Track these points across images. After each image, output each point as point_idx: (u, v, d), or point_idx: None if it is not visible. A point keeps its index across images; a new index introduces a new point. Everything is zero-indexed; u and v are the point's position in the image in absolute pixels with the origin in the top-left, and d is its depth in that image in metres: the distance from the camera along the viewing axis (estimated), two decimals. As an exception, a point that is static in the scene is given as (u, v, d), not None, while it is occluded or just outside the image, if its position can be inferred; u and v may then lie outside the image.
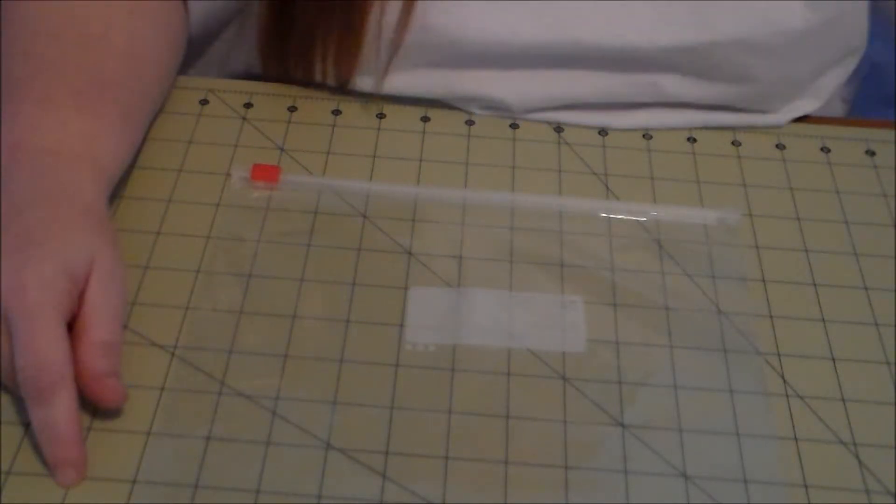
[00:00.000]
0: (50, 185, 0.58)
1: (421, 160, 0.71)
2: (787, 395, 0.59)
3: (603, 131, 0.74)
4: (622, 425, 0.57)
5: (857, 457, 0.57)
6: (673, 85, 0.73)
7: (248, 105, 0.74)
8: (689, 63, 0.72)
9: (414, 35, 0.70)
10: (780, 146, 0.74)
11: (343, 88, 0.74)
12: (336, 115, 0.74)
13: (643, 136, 0.74)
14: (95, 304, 0.55)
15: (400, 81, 0.73)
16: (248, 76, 0.78)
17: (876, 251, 0.67)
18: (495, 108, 0.74)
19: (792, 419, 0.58)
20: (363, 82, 0.73)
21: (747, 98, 0.74)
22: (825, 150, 0.74)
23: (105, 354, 0.54)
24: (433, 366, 0.59)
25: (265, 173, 0.68)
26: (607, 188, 0.70)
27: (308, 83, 0.75)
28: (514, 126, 0.74)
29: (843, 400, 0.59)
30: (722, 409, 0.58)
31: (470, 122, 0.74)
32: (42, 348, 0.52)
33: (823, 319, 0.63)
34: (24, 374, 0.52)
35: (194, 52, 0.81)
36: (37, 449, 0.54)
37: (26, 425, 0.55)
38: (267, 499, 0.53)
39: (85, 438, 0.54)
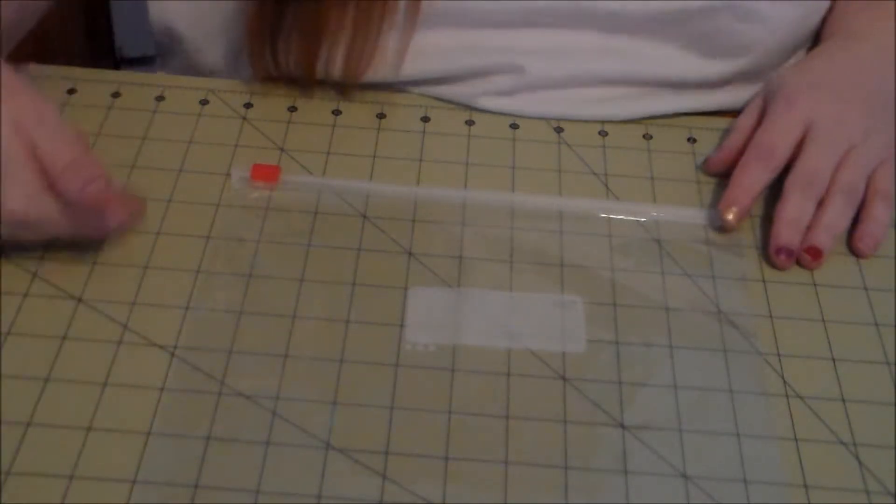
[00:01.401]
0: None
1: (421, 160, 0.71)
2: (787, 396, 0.59)
3: (603, 131, 0.74)
4: (622, 425, 0.57)
5: (857, 457, 0.57)
6: (672, 63, 0.74)
7: (248, 105, 0.74)
8: (688, 30, 0.73)
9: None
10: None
11: (349, 85, 0.74)
12: (336, 115, 0.74)
13: (643, 136, 0.74)
14: (44, 146, 0.58)
15: (407, 64, 0.73)
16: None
17: (876, 251, 0.67)
18: (509, 73, 0.74)
19: (792, 419, 0.58)
20: (373, 73, 0.73)
21: (744, 73, 0.76)
22: (825, 149, 0.74)
23: (77, 172, 0.58)
24: (433, 366, 0.59)
25: (265, 173, 0.68)
26: (607, 188, 0.70)
27: (310, 83, 0.75)
28: (514, 126, 0.74)
29: (843, 400, 0.59)
30: (722, 410, 0.58)
31: (470, 122, 0.74)
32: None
33: (823, 319, 0.63)
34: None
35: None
36: (37, 448, 0.54)
37: (27, 425, 0.55)
38: (267, 499, 0.53)
39: (84, 438, 0.55)
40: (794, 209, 0.66)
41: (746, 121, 0.71)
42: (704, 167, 0.72)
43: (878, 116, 0.70)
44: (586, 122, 0.74)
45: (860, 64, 0.72)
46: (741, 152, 0.70)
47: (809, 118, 0.68)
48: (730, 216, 0.66)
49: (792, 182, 0.67)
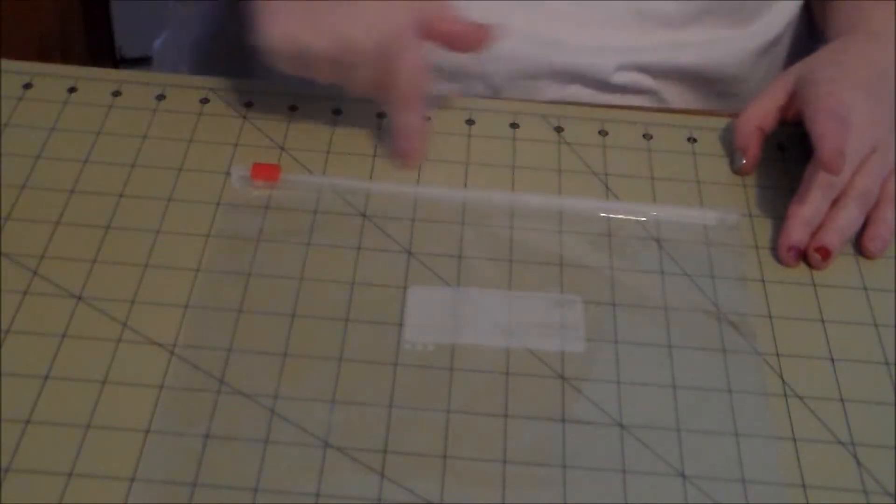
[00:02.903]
0: None
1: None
2: (785, 395, 0.59)
3: (603, 131, 0.74)
4: (620, 425, 0.57)
5: (856, 457, 0.57)
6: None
7: (248, 104, 0.74)
8: None
9: None
10: (780, 147, 0.74)
11: None
12: (336, 114, 0.74)
13: (643, 136, 0.74)
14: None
15: None
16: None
17: (884, 253, 0.67)
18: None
19: (790, 419, 0.58)
20: None
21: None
22: (825, 150, 0.74)
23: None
24: (432, 365, 0.59)
25: (265, 172, 0.68)
26: (607, 188, 0.70)
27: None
28: (514, 126, 0.74)
29: (841, 400, 0.59)
30: (720, 409, 0.58)
31: (470, 122, 0.74)
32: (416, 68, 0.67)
33: (822, 320, 0.63)
34: (399, 88, 0.67)
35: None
36: (36, 446, 0.54)
37: (26, 422, 0.55)
38: (265, 497, 0.53)
39: (83, 436, 0.55)
40: (811, 208, 0.66)
41: (763, 105, 0.72)
42: (742, 173, 0.72)
43: None
44: (586, 120, 0.75)
45: (886, 64, 0.72)
46: (761, 141, 0.71)
47: (848, 111, 0.67)
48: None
49: (814, 182, 0.66)
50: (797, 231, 0.66)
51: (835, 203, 0.67)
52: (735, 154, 0.72)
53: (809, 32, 0.86)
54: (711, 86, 0.81)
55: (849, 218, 0.67)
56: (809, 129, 0.66)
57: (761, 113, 0.72)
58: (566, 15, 0.78)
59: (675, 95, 0.82)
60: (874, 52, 0.73)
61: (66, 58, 0.90)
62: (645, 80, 0.81)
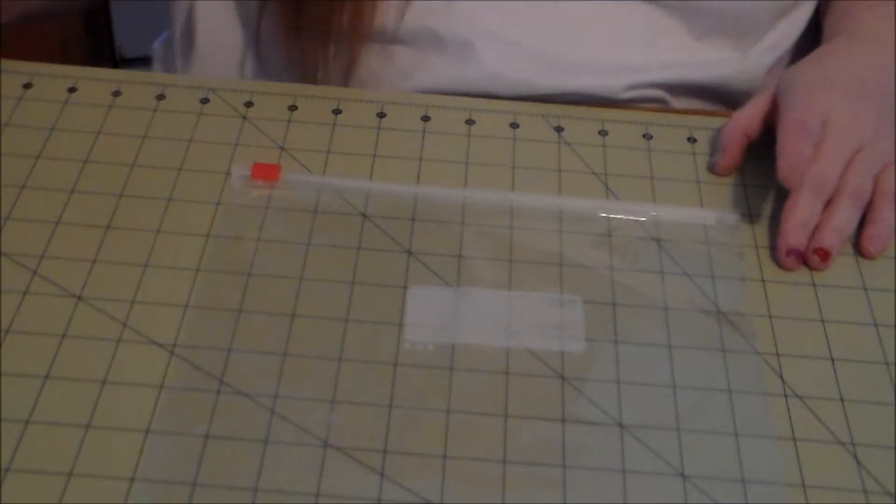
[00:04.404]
0: None
1: (421, 160, 0.71)
2: (785, 395, 0.59)
3: (603, 131, 0.74)
4: (620, 425, 0.57)
5: (856, 457, 0.57)
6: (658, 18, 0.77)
7: (248, 104, 0.74)
8: None
9: None
10: (780, 146, 0.74)
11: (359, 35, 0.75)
12: (336, 114, 0.74)
13: (643, 136, 0.74)
14: None
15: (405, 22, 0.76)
16: None
17: (883, 252, 0.67)
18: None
19: (790, 419, 0.58)
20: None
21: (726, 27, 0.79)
22: (825, 150, 0.74)
23: None
24: (432, 365, 0.59)
25: (265, 172, 0.69)
26: (607, 188, 0.70)
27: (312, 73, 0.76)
28: (514, 126, 0.74)
29: (841, 400, 0.59)
30: (720, 409, 0.58)
31: (470, 122, 0.74)
32: None
33: (822, 319, 0.63)
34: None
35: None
36: (36, 446, 0.54)
37: (25, 422, 0.55)
38: (265, 497, 0.53)
39: (83, 436, 0.55)
40: (804, 211, 0.66)
41: (750, 111, 0.72)
42: (715, 171, 0.71)
43: (887, 117, 0.70)
44: (586, 120, 0.75)
45: (870, 64, 0.72)
46: (744, 146, 0.71)
47: (826, 115, 0.68)
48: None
49: (803, 184, 0.66)
50: (794, 234, 0.65)
51: (828, 204, 0.67)
52: (716, 153, 0.72)
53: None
54: (720, 99, 0.81)
55: (844, 217, 0.66)
56: (777, 138, 0.66)
57: (748, 118, 0.72)
58: (575, 34, 0.78)
59: (682, 104, 0.82)
60: (855, 53, 0.73)
61: (66, 58, 0.90)
62: (653, 93, 0.80)
